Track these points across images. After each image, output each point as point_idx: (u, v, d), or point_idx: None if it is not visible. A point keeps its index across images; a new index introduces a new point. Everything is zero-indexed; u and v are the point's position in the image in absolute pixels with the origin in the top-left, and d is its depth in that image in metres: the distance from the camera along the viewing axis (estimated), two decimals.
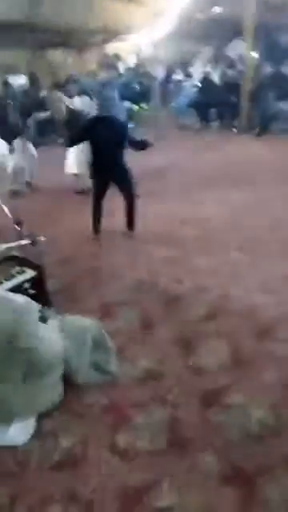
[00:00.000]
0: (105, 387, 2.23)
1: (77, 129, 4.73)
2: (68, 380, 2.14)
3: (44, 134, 8.68)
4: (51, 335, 1.92)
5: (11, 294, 1.77)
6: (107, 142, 3.87)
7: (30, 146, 6.27)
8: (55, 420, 2.08)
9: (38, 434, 2.02)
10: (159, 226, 4.33)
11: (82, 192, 5.48)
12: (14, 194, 5.67)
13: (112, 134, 3.88)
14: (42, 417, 2.07)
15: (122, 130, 4.04)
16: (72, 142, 4.70)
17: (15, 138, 6.01)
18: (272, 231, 4.08)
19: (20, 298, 1.76)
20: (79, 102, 6.23)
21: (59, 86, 8.70)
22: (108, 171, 4.03)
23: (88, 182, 5.20)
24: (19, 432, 2.00)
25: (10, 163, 5.80)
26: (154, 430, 1.97)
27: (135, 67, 12.18)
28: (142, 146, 4.19)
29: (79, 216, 4.77)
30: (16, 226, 3.22)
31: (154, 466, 1.81)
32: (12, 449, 1.96)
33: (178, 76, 10.98)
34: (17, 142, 5.98)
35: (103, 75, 8.87)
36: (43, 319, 2.15)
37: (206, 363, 2.32)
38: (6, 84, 8.76)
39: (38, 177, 5.98)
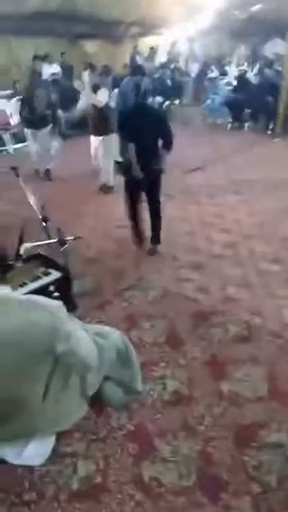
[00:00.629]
0: (130, 410, 2.06)
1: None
2: (91, 398, 1.97)
3: (75, 125, 8.54)
4: (86, 338, 1.76)
5: (42, 298, 1.61)
6: (143, 132, 3.43)
7: (55, 137, 6.17)
8: (75, 442, 1.93)
9: (56, 455, 1.87)
10: (185, 230, 4.11)
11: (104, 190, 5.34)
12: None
13: (149, 122, 3.46)
14: (61, 436, 1.92)
15: (161, 120, 3.59)
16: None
17: (43, 127, 5.92)
18: None
19: (52, 302, 1.60)
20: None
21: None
22: (142, 168, 3.50)
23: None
24: (37, 452, 1.86)
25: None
26: (182, 465, 1.79)
27: (169, 62, 11.90)
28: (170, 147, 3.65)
29: (105, 211, 4.63)
30: (43, 223, 3.09)
31: (182, 507, 1.63)
32: (28, 469, 1.82)
33: (213, 73, 10.65)
34: (41, 132, 5.91)
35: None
36: None
37: (241, 391, 2.11)
38: (36, 73, 8.64)
39: (54, 167, 5.91)
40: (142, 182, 3.55)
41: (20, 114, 6.29)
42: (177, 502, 1.65)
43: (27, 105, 5.92)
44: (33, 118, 5.84)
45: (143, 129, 3.40)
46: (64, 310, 1.63)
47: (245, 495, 1.65)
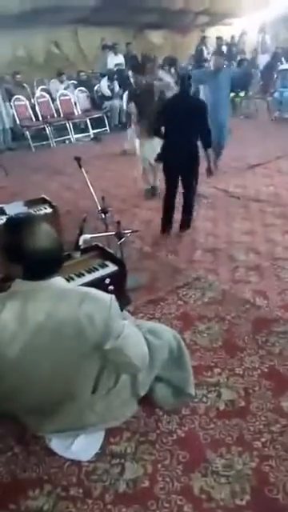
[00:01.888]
0: (181, 414, 1.98)
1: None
2: (142, 398, 1.91)
3: None
4: (136, 337, 1.70)
5: (96, 291, 1.56)
6: (181, 120, 3.49)
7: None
8: (124, 442, 1.88)
9: (104, 453, 1.84)
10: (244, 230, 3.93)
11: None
12: None
13: (188, 111, 3.49)
14: (110, 435, 1.89)
15: (201, 109, 3.55)
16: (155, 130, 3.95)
17: None
18: None
19: (106, 296, 1.55)
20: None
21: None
22: (179, 157, 3.60)
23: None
24: (85, 446, 1.84)
25: None
26: (235, 481, 1.68)
27: (237, 53, 11.49)
28: (208, 145, 3.71)
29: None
30: (102, 215, 3.08)
31: None
32: (76, 464, 1.80)
33: (284, 65, 10.12)
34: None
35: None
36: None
37: None
38: None
39: None
40: (178, 168, 3.73)
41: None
42: None
43: None
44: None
45: (181, 117, 3.50)
46: (117, 304, 1.57)
47: None
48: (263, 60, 10.80)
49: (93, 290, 1.54)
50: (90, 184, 3.13)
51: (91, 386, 1.67)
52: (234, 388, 2.10)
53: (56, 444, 1.84)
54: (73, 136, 8.55)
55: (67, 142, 8.56)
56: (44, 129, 8.37)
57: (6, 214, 3.98)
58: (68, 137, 8.56)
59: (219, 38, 11.17)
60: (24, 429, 1.88)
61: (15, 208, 3.58)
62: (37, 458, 1.84)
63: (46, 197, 3.84)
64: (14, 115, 8.21)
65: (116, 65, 9.50)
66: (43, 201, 3.82)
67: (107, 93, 8.98)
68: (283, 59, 10.50)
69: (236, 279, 3.09)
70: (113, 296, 1.55)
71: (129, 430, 1.92)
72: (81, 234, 2.62)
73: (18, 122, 8.26)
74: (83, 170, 3.22)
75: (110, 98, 9.02)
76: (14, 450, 1.89)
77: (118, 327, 1.52)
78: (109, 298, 1.52)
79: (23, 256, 1.40)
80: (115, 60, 9.75)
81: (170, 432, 1.90)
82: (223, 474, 1.71)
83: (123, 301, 2.74)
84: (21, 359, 1.46)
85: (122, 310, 2.05)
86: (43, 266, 1.44)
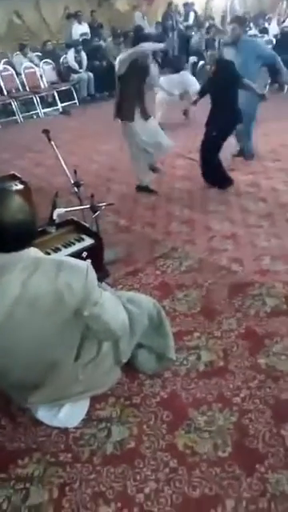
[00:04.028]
0: (163, 377, 2.04)
1: None
2: (124, 364, 1.96)
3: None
4: (114, 304, 1.72)
5: (72, 259, 1.57)
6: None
7: None
8: (109, 407, 1.93)
9: (90, 419, 1.89)
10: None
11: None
12: None
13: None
14: (94, 401, 1.94)
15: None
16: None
17: None
18: None
19: (81, 263, 1.55)
20: None
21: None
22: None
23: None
24: (72, 414, 1.88)
25: None
26: (217, 436, 1.76)
27: (204, 20, 11.25)
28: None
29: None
30: (75, 189, 3.04)
31: (217, 479, 1.62)
32: (63, 432, 1.85)
33: (251, 31, 9.99)
34: None
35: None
36: None
37: (280, 367, 2.04)
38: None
39: None
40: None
41: None
42: (212, 471, 1.64)
43: None
44: None
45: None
46: (93, 271, 1.57)
47: (282, 469, 1.61)
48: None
49: (68, 259, 1.53)
50: (60, 157, 3.07)
51: (73, 354, 1.70)
52: (212, 350, 2.17)
53: (42, 414, 1.87)
54: (40, 110, 8.29)
55: (35, 116, 8.30)
56: (10, 104, 8.08)
57: None
58: (36, 111, 8.30)
59: (186, 5, 10.89)
60: (9, 401, 1.91)
61: None
62: (24, 429, 1.87)
63: (16, 173, 3.74)
64: None
65: (81, 34, 9.18)
66: (13, 177, 3.72)
67: (74, 65, 8.69)
68: (252, 25, 10.35)
69: (212, 248, 3.14)
70: (89, 262, 1.56)
71: (113, 396, 1.97)
72: (54, 208, 2.59)
73: None
74: (52, 143, 3.15)
75: (76, 71, 8.74)
76: (0, 423, 1.91)
77: (95, 294, 1.53)
78: (85, 265, 1.52)
79: None
80: (80, 29, 9.40)
81: (153, 394, 1.96)
82: (205, 429, 1.79)
83: (101, 274, 2.76)
84: (1, 333, 1.47)
85: (100, 283, 2.07)
86: (15, 237, 1.42)
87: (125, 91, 3.73)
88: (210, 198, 3.98)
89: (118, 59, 3.70)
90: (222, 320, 2.37)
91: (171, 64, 6.84)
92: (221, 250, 3.10)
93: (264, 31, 9.93)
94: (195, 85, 6.30)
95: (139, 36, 3.76)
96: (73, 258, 1.54)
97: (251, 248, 3.09)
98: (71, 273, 1.46)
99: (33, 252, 1.50)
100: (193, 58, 9.47)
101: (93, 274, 1.54)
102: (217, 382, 1.99)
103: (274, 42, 9.13)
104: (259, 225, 3.42)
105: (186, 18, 10.91)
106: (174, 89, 6.08)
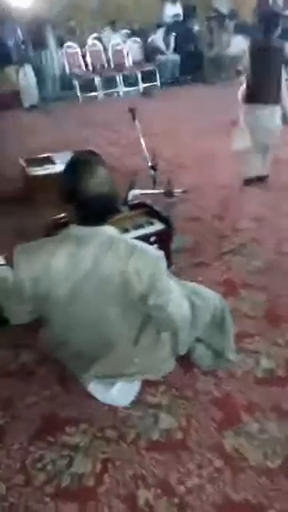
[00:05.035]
0: (218, 376, 2.00)
1: None
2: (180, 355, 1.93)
3: None
4: (179, 296, 1.70)
5: (147, 245, 1.56)
6: None
7: None
8: (160, 394, 1.93)
9: (139, 403, 1.90)
10: None
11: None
12: None
13: None
14: (146, 386, 1.94)
15: None
16: None
17: None
18: None
19: (156, 252, 1.55)
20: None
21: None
22: None
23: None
24: (123, 393, 1.90)
25: None
26: (268, 445, 1.70)
27: None
28: None
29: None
30: (152, 171, 3.02)
31: (263, 487, 1.56)
32: (112, 409, 1.88)
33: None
34: None
35: None
36: None
37: None
38: None
39: None
40: None
41: None
42: (258, 479, 1.59)
43: None
44: None
45: None
46: (165, 262, 1.56)
47: None
48: None
49: (143, 245, 1.53)
50: (141, 138, 3.06)
51: (133, 336, 1.70)
52: (273, 357, 2.09)
53: (95, 388, 1.91)
54: (122, 89, 8.34)
55: (116, 94, 8.36)
56: (93, 79, 8.19)
57: (54, 163, 4.00)
58: (117, 89, 8.36)
59: None
60: (64, 369, 1.96)
61: (63, 158, 3.57)
62: (75, 399, 1.92)
63: (94, 149, 3.79)
64: (63, 63, 8.05)
65: (173, 16, 9.01)
66: (91, 153, 3.77)
67: (162, 46, 8.60)
68: None
69: (283, 251, 3.00)
70: (162, 252, 1.55)
71: (165, 384, 1.96)
72: (131, 188, 2.60)
73: (67, 70, 8.10)
74: (136, 121, 3.13)
75: (163, 53, 8.65)
76: (53, 389, 1.98)
77: (163, 285, 1.53)
78: (158, 255, 1.52)
79: (77, 197, 1.39)
80: (172, 10, 9.23)
81: (205, 391, 1.93)
82: (257, 436, 1.73)
83: (167, 261, 2.74)
84: (69, 302, 1.50)
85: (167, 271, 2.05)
86: (96, 210, 1.44)
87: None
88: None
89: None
90: (286, 328, 2.27)
91: None
92: None
93: None
94: None
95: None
96: (148, 245, 1.53)
97: None
98: (142, 259, 1.46)
99: (110, 230, 1.52)
100: None
101: (164, 265, 1.53)
102: (275, 392, 1.91)
103: None
104: None
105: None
106: None
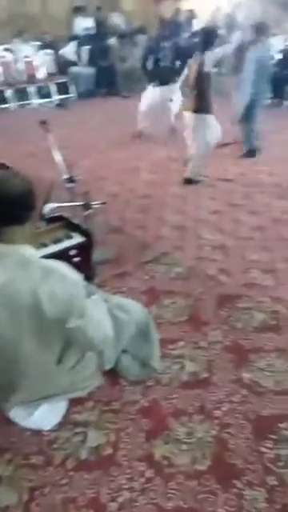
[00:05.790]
0: (145, 385, 2.00)
1: None
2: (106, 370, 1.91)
3: None
4: (99, 316, 1.68)
5: (63, 266, 1.52)
6: None
7: None
8: (87, 411, 1.88)
9: (66, 423, 1.83)
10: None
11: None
12: None
13: None
14: (72, 404, 1.88)
15: None
16: None
17: None
18: None
19: (73, 274, 1.52)
20: None
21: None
22: None
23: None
24: (47, 416, 1.82)
25: None
26: (196, 448, 1.73)
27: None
28: None
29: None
30: (69, 184, 2.97)
31: (193, 492, 1.58)
32: (37, 433, 1.79)
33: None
34: None
35: None
36: (88, 294, 1.90)
37: (264, 383, 2.02)
38: None
39: None
40: None
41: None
42: (188, 484, 1.60)
43: None
44: None
45: None
46: (83, 284, 1.55)
47: (259, 486, 1.59)
48: (235, 38, 10.68)
49: (61, 267, 1.49)
50: (56, 151, 3.00)
51: (54, 358, 1.65)
52: (197, 360, 2.14)
53: (15, 413, 1.81)
54: (36, 101, 8.17)
55: (28, 106, 8.17)
56: (2, 91, 7.94)
57: None
58: (29, 101, 8.17)
59: (190, 11, 10.89)
60: None
61: None
62: None
63: (6, 163, 3.65)
64: None
65: (85, 29, 9.09)
66: (2, 166, 3.63)
67: (73, 58, 8.61)
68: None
69: (201, 256, 3.12)
70: (80, 276, 1.53)
71: (92, 399, 1.92)
72: (46, 201, 2.52)
73: None
74: (50, 135, 3.07)
75: (76, 65, 8.66)
76: None
77: (81, 307, 1.50)
78: (76, 279, 1.50)
79: None
80: (84, 23, 9.31)
81: (133, 402, 1.92)
82: (184, 441, 1.75)
83: (89, 274, 2.70)
84: None
85: (88, 284, 2.02)
86: (18, 209, 1.39)
87: (208, 87, 4.15)
88: (203, 207, 3.97)
89: (206, 58, 4.04)
90: (208, 331, 2.35)
91: None
92: (210, 259, 3.08)
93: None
94: None
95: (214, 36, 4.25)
96: (66, 267, 1.50)
97: (240, 260, 3.09)
98: (60, 283, 1.44)
99: (28, 250, 1.47)
100: None
101: (81, 289, 1.51)
102: (199, 394, 1.95)
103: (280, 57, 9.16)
104: (249, 236, 3.42)
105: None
106: None
